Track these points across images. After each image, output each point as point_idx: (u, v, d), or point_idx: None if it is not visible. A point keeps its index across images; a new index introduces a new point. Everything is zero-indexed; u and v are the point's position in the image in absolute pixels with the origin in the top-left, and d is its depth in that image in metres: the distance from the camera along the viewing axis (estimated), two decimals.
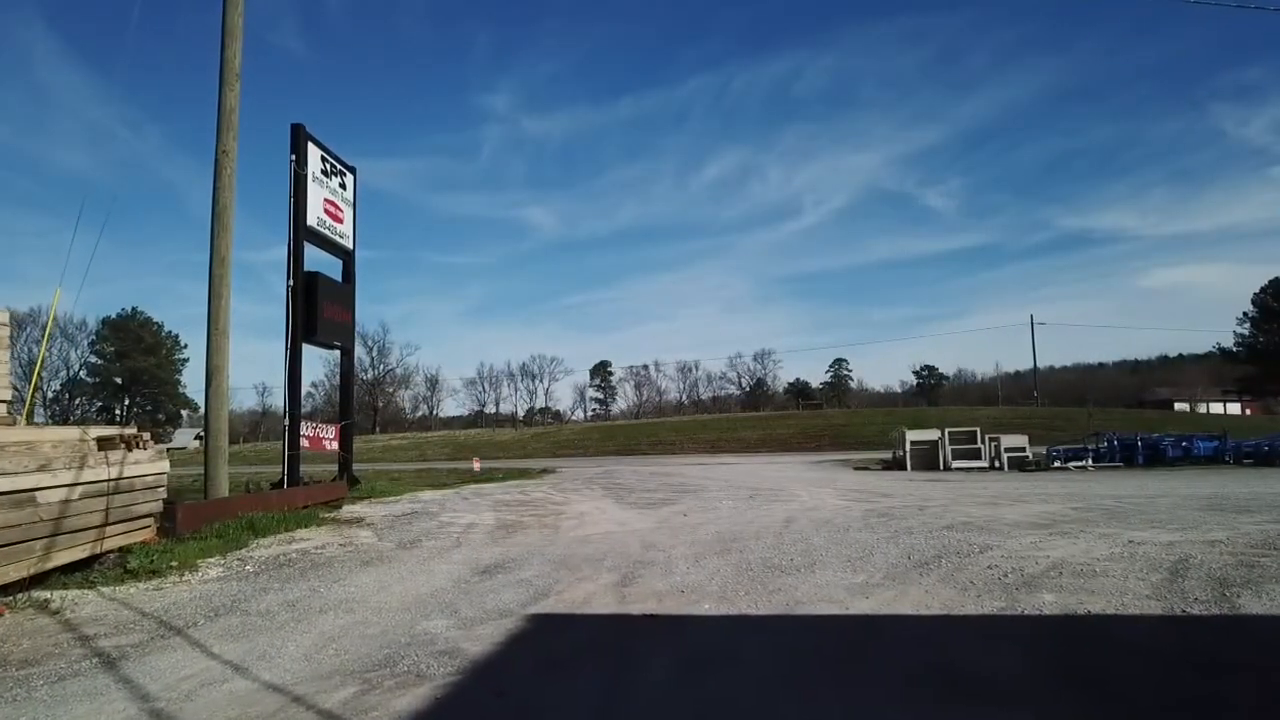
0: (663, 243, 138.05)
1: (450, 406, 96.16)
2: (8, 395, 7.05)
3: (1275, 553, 6.45)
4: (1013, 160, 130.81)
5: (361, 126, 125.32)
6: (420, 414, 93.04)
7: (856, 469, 23.30)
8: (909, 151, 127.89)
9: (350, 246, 15.51)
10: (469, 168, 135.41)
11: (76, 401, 71.52)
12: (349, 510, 12.27)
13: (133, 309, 75.29)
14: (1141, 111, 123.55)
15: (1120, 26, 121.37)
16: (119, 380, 72.64)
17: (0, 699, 3.68)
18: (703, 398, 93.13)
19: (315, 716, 3.35)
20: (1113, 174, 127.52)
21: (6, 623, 5.20)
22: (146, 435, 8.08)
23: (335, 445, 14.94)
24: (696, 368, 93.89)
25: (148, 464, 7.77)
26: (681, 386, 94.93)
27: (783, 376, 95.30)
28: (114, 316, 73.79)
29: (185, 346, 76.88)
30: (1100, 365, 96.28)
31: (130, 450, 7.57)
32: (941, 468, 21.71)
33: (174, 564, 7.14)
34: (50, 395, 69.21)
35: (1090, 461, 21.31)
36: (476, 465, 25.20)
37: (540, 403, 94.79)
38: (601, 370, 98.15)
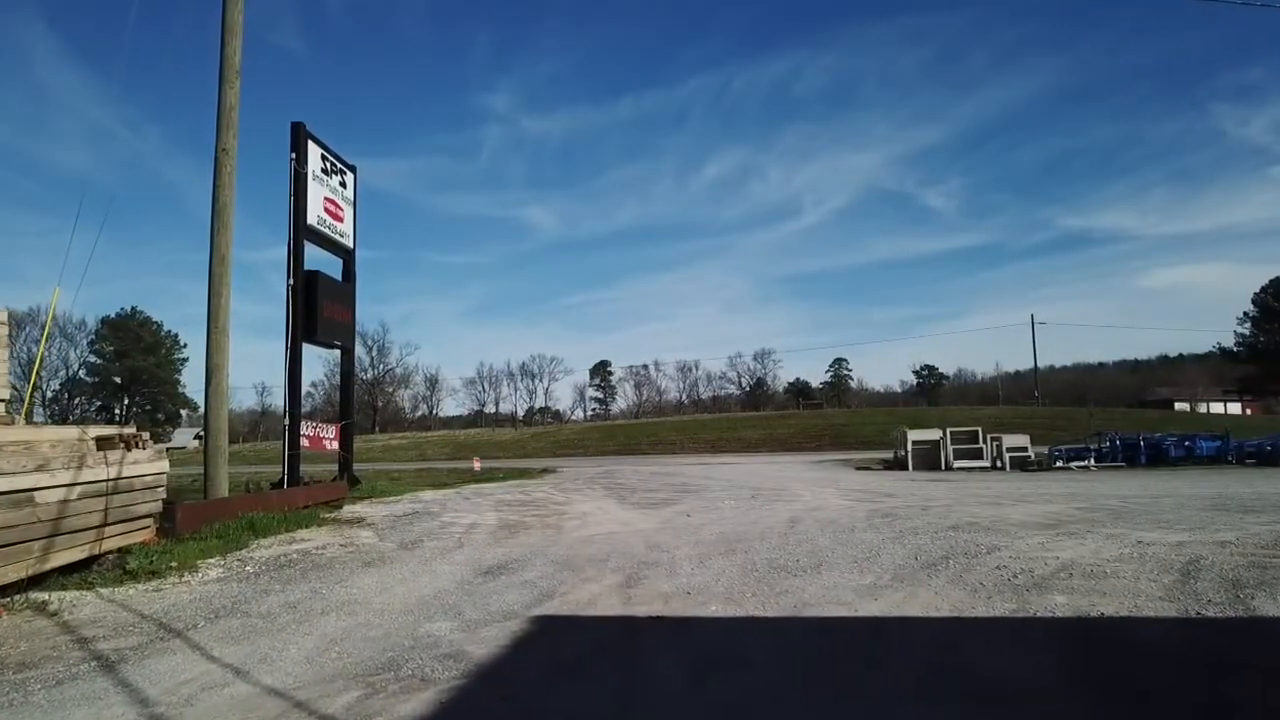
0: (663, 243, 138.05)
1: (450, 406, 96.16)
2: (6, 394, 6.98)
3: None
4: (1013, 160, 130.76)
5: (361, 126, 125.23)
6: (420, 414, 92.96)
7: (858, 469, 23.23)
8: (909, 151, 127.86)
9: (350, 245, 15.44)
10: (469, 168, 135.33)
11: (76, 401, 71.40)
12: (349, 510, 12.20)
13: (132, 308, 75.22)
14: (1141, 111, 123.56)
15: (1120, 26, 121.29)
16: (118, 380, 72.50)
17: None
18: (703, 397, 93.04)
19: None
20: (1113, 174, 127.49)
21: (4, 625, 5.13)
22: (146, 435, 8.01)
23: (335, 445, 14.88)
24: (696, 367, 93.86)
25: (147, 464, 7.70)
26: (681, 386, 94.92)
27: (783, 376, 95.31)
28: (113, 316, 73.70)
29: (185, 346, 76.82)
30: (1100, 365, 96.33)
31: (129, 450, 7.50)
32: (943, 468, 21.64)
33: (174, 565, 7.07)
34: (49, 395, 69.17)
35: (1092, 461, 21.24)
36: (477, 465, 25.11)
37: (540, 402, 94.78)
38: (601, 370, 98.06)
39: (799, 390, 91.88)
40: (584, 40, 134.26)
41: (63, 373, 70.77)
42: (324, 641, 4.57)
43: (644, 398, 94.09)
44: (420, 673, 3.89)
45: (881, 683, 3.62)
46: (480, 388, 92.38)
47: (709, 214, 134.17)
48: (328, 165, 14.46)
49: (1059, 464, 21.10)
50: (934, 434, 22.71)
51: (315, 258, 14.19)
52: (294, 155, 13.30)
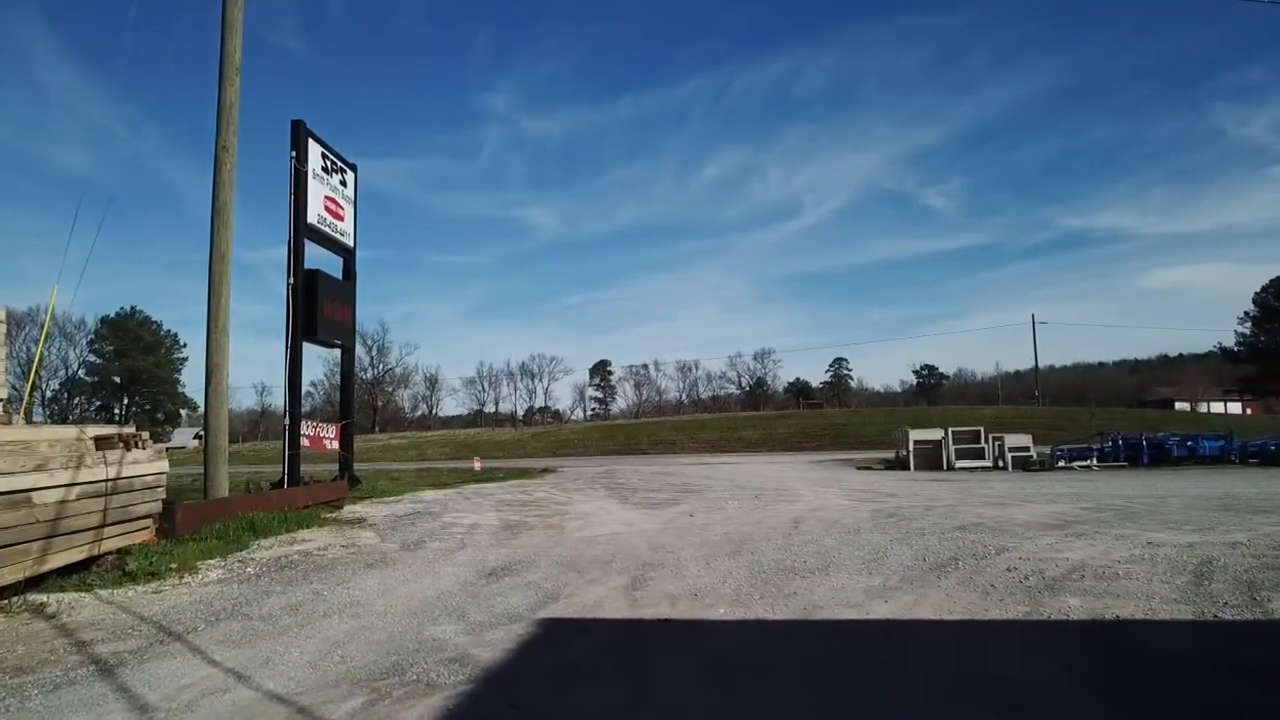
0: (663, 243, 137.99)
1: (450, 406, 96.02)
2: (5, 394, 6.91)
3: None
4: (1013, 160, 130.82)
5: (361, 126, 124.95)
6: (420, 413, 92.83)
7: (859, 468, 23.16)
8: (909, 151, 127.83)
9: (351, 244, 15.35)
10: (469, 168, 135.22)
11: (75, 401, 71.25)
12: (350, 510, 12.12)
13: (132, 308, 75.07)
14: (1141, 111, 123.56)
15: (1120, 26, 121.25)
16: (118, 379, 72.35)
17: None
18: (703, 397, 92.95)
19: None
20: (1113, 174, 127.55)
21: (1, 627, 5.05)
22: (145, 434, 7.93)
23: (336, 444, 14.79)
24: (696, 367, 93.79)
25: (146, 464, 7.61)
26: (681, 386, 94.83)
27: (783, 376, 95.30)
28: (113, 315, 73.53)
29: (184, 345, 76.68)
30: (1100, 365, 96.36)
31: (129, 450, 7.42)
32: (945, 467, 21.56)
33: (173, 566, 6.99)
34: (49, 394, 69.03)
35: (1095, 461, 21.18)
36: (477, 465, 25.02)
37: (540, 402, 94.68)
38: (601, 370, 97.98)
39: (799, 390, 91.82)
40: (584, 40, 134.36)
41: (62, 372, 70.73)
42: (327, 645, 4.49)
43: (644, 398, 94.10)
44: (425, 677, 3.82)
45: (899, 688, 3.55)
46: (480, 387, 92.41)
47: (709, 214, 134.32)
48: (328, 163, 14.37)
49: (1061, 464, 21.03)
50: (936, 434, 22.63)
51: (315, 257, 14.12)
52: (294, 153, 13.22)
